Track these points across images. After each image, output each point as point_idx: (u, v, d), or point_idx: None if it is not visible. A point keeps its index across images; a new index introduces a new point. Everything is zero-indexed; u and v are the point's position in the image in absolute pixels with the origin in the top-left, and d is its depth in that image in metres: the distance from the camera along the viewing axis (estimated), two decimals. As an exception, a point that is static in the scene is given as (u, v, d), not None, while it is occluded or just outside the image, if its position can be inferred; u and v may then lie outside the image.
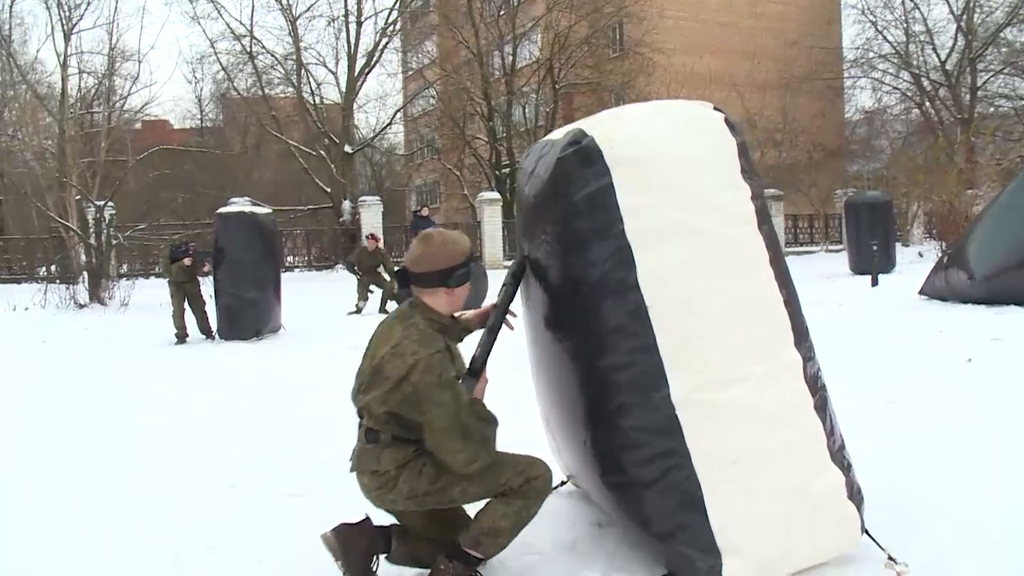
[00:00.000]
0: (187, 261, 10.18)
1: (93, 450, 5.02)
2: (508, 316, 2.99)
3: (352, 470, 2.80)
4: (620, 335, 2.62)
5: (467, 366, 2.81)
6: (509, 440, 3.83)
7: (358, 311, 12.72)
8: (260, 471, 4.41)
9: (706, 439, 2.57)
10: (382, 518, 2.95)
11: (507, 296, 2.99)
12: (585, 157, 2.68)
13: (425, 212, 17.63)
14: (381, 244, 13.84)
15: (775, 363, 2.65)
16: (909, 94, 31.31)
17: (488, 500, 2.72)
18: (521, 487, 2.68)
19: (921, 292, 10.97)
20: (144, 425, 5.66)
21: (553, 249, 2.82)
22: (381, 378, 2.64)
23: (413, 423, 2.62)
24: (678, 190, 2.64)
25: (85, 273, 16.00)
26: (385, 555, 2.93)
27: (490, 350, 2.85)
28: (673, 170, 2.64)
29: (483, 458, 2.62)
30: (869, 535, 2.85)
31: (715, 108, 2.83)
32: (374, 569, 2.89)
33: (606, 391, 2.68)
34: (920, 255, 18.91)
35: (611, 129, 2.70)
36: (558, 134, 2.93)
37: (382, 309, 12.42)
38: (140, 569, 3.18)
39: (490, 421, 2.67)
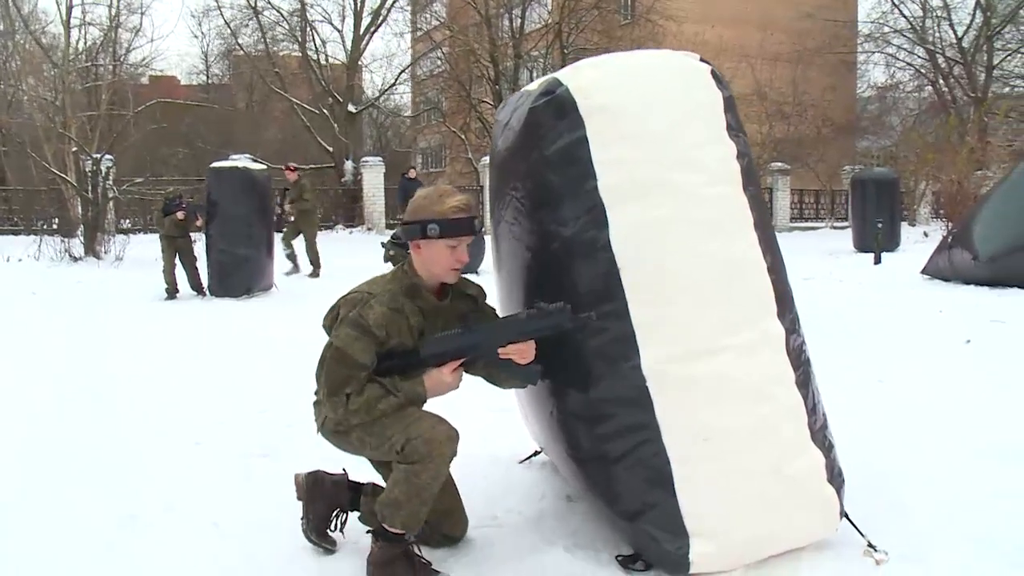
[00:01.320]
0: (180, 215, 10.03)
1: (62, 401, 4.92)
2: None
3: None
4: (589, 299, 2.44)
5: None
6: (481, 406, 3.73)
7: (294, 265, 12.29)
8: (230, 429, 4.31)
9: (678, 413, 2.40)
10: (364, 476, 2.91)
11: (520, 325, 2.52)
12: (558, 108, 2.48)
13: (412, 174, 17.59)
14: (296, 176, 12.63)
15: (755, 334, 2.46)
16: (923, 71, 30.80)
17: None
18: (403, 449, 2.46)
19: (924, 271, 10.81)
20: (120, 378, 5.56)
21: (523, 206, 2.65)
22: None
23: None
24: (657, 145, 2.44)
25: (82, 226, 15.89)
26: (358, 515, 2.83)
27: (452, 350, 2.55)
28: (652, 123, 2.45)
29: (335, 411, 2.50)
30: (849, 520, 2.69)
31: (701, 59, 2.63)
32: (335, 522, 2.84)
33: (573, 359, 2.51)
34: (925, 235, 18.69)
35: (587, 78, 2.50)
36: (535, 84, 2.74)
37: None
38: (91, 527, 3.05)
39: (381, 385, 2.49)
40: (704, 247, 2.42)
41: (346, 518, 2.85)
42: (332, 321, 2.60)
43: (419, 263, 2.59)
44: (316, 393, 2.68)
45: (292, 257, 12.36)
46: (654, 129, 2.46)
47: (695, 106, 2.53)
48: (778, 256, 2.62)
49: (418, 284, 2.59)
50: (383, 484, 2.81)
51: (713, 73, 2.60)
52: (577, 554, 2.71)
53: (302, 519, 2.83)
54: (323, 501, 2.82)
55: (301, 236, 12.42)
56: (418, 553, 2.61)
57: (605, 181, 2.44)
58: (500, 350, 2.52)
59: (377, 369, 2.53)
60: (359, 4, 27.06)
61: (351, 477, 2.89)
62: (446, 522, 2.77)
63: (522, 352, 2.53)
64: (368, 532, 2.62)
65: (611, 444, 2.47)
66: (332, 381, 2.49)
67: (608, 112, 2.45)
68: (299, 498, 2.85)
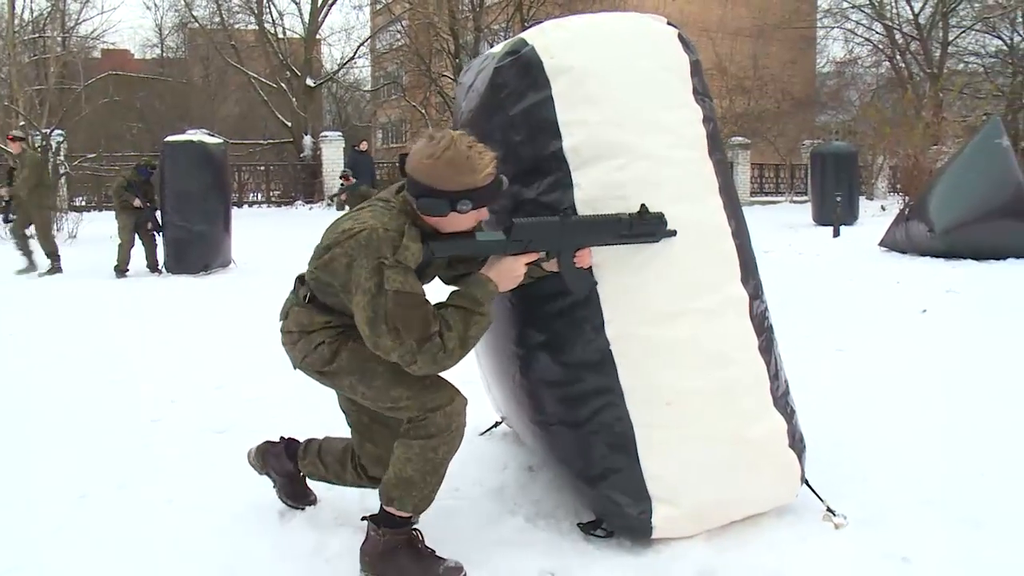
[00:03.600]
0: (136, 203, 9.76)
1: (10, 381, 4.78)
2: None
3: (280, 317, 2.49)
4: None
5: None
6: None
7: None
8: (186, 406, 4.22)
9: (641, 377, 2.38)
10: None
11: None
12: (524, 68, 2.43)
13: (364, 147, 17.36)
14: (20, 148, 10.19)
15: (719, 299, 2.45)
16: (881, 46, 31.09)
17: (395, 445, 2.34)
18: (418, 419, 2.25)
19: (881, 244, 10.97)
20: (72, 356, 5.41)
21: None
22: (327, 235, 2.28)
23: (327, 291, 2.29)
24: (623, 107, 2.40)
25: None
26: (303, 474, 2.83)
27: (542, 240, 2.31)
28: (618, 85, 2.40)
29: (433, 361, 2.14)
30: (809, 486, 2.71)
31: (668, 23, 2.59)
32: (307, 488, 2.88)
33: (536, 322, 2.48)
34: (883, 208, 18.97)
35: (553, 38, 2.45)
36: (499, 46, 2.68)
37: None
38: (42, 507, 2.96)
39: (447, 324, 2.17)
40: (669, 210, 2.38)
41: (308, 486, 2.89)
42: (324, 262, 2.22)
43: (428, 224, 2.25)
44: (287, 330, 2.40)
45: (25, 250, 10.08)
46: (620, 91, 2.41)
47: (661, 69, 2.49)
48: (742, 222, 2.61)
49: (422, 226, 2.25)
50: (317, 437, 2.78)
51: (680, 36, 2.57)
52: (539, 523, 2.70)
53: (273, 487, 2.88)
54: (275, 470, 2.83)
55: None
56: (422, 540, 2.42)
57: (570, 142, 2.40)
58: (579, 253, 2.32)
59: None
60: (316, -24, 26.59)
61: (288, 442, 2.83)
62: None
63: (584, 258, 2.35)
64: (364, 519, 2.43)
65: (574, 408, 2.44)
66: (417, 328, 2.10)
67: (574, 73, 2.41)
68: (257, 472, 2.89)
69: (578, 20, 2.58)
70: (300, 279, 2.41)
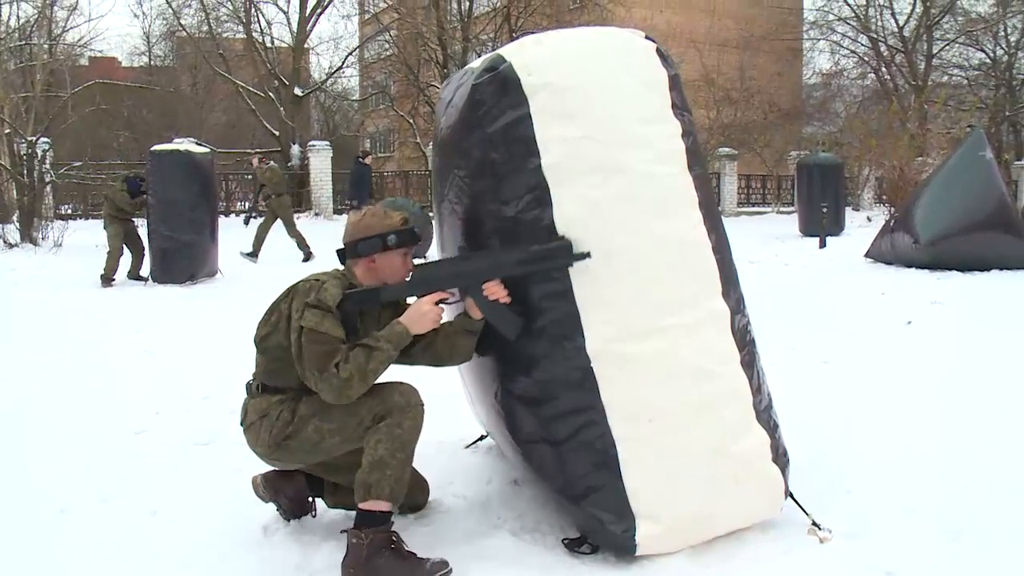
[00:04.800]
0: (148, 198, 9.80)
1: (-7, 393, 4.74)
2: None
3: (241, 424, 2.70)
4: (533, 280, 2.41)
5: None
6: (426, 392, 3.67)
7: None
8: (171, 417, 4.20)
9: (623, 394, 2.38)
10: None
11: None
12: (502, 84, 2.44)
13: (368, 160, 17.29)
14: None
15: (700, 313, 2.46)
16: (866, 58, 31.36)
17: (363, 442, 2.46)
18: (377, 413, 2.44)
19: (867, 255, 11.03)
20: (55, 365, 5.38)
21: (466, 185, 2.60)
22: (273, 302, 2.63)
23: (279, 367, 2.56)
24: (601, 122, 2.41)
25: (17, 212, 15.41)
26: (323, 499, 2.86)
27: (441, 277, 2.58)
28: (596, 101, 2.41)
29: (330, 388, 2.38)
30: (794, 499, 2.72)
31: (646, 37, 2.61)
32: (310, 505, 2.86)
33: (517, 341, 2.48)
34: (869, 219, 19.10)
35: (531, 54, 2.46)
36: (478, 61, 2.69)
37: None
38: (23, 520, 2.94)
39: (361, 352, 2.40)
40: (649, 226, 2.39)
41: (313, 501, 2.86)
42: (273, 323, 2.57)
43: (367, 275, 2.60)
44: (248, 423, 2.62)
45: None
46: (598, 107, 2.42)
47: (640, 84, 2.50)
48: (723, 236, 2.62)
49: (357, 287, 2.60)
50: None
51: (658, 51, 2.58)
52: (523, 537, 2.70)
53: (277, 510, 2.86)
54: (285, 494, 2.82)
55: None
56: (402, 542, 2.48)
57: (548, 159, 2.40)
58: (486, 285, 2.49)
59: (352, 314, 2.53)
60: (305, -16, 26.58)
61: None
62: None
63: (498, 294, 2.50)
64: (343, 532, 2.49)
65: (556, 426, 2.45)
66: (316, 360, 2.39)
67: (552, 89, 2.41)
68: (264, 500, 2.84)
69: (556, 36, 2.59)
70: (249, 383, 2.68)
